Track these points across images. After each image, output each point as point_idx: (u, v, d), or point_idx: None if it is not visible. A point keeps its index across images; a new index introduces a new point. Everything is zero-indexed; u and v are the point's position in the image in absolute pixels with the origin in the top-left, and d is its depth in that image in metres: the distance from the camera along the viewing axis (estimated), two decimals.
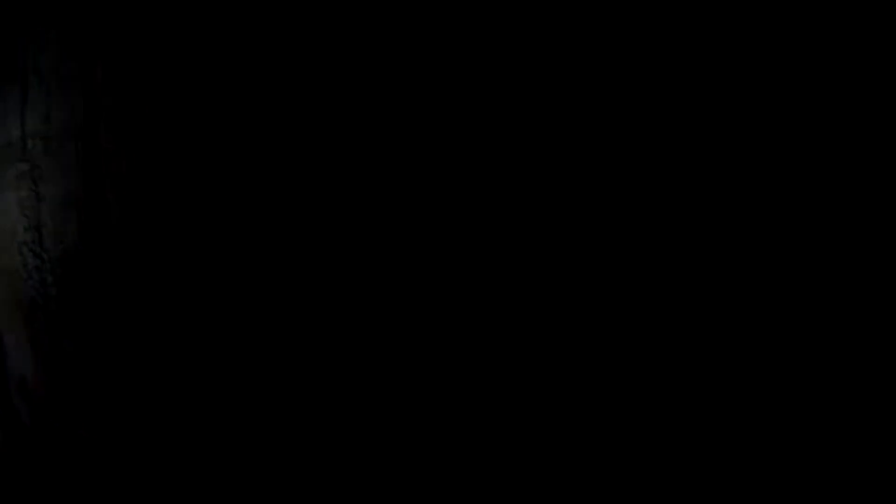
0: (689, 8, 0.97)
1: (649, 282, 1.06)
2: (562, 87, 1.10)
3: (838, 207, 0.91)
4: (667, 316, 1.06)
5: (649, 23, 1.01)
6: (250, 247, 1.73)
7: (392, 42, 1.34)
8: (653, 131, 1.03)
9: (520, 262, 1.19)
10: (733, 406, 1.02)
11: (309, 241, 1.57)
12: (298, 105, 1.58)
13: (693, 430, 1.06)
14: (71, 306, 2.33)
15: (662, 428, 1.09)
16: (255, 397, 1.77)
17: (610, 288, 1.10)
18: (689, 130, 1.00)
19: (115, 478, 2.32)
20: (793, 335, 0.97)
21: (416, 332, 1.38)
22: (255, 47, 1.66)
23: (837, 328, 0.93)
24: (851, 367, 0.93)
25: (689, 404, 1.06)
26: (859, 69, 0.86)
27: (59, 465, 2.41)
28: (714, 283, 1.01)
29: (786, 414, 0.98)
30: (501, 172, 1.19)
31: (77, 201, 2.30)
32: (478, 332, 1.27)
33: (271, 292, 1.68)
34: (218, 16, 1.78)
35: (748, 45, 0.92)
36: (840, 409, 0.94)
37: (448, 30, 1.26)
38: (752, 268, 0.98)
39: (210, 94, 1.85)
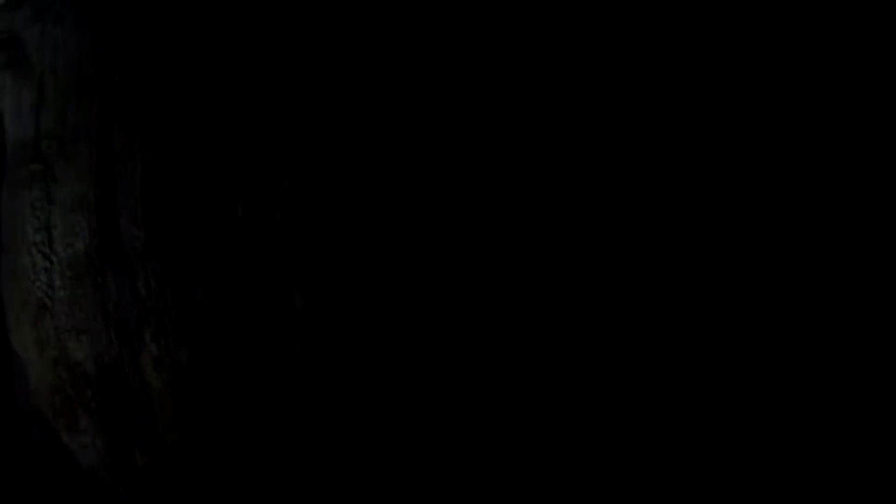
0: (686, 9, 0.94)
1: (647, 282, 1.02)
2: (560, 90, 1.07)
3: (837, 207, 0.87)
4: (665, 316, 1.02)
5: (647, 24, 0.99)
6: (268, 246, 1.81)
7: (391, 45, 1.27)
8: (650, 133, 1.00)
9: (517, 263, 1.16)
10: (732, 405, 0.97)
11: (315, 240, 1.61)
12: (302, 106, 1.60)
13: (691, 430, 1.01)
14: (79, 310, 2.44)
15: (660, 427, 1.03)
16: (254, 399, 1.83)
17: (608, 288, 1.05)
18: (687, 132, 0.97)
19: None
20: (791, 335, 0.93)
21: (413, 332, 1.33)
22: (263, 54, 1.68)
23: (837, 328, 0.89)
24: (850, 366, 0.89)
25: (688, 404, 1.00)
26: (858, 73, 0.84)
27: (67, 482, 2.45)
28: (712, 283, 0.97)
29: (785, 413, 0.94)
30: (499, 174, 1.16)
31: (88, 204, 2.57)
32: (475, 332, 1.23)
33: (274, 293, 1.76)
34: (230, 24, 1.83)
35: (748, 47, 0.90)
36: (839, 408, 0.89)
37: (447, 31, 1.20)
38: (751, 268, 0.94)
39: (222, 97, 1.97)
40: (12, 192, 2.26)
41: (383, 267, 1.42)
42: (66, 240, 2.46)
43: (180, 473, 2.18)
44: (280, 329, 1.87)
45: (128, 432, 2.31)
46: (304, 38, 1.62)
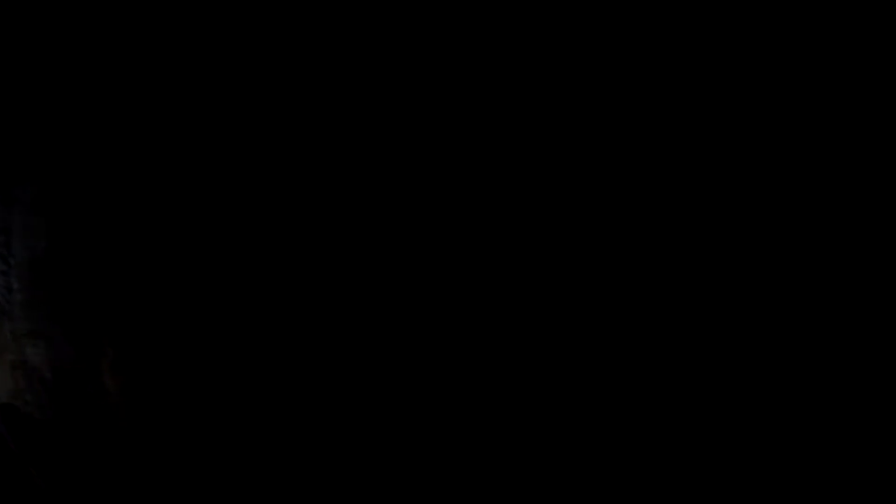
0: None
1: (647, 282, 1.01)
2: (559, 89, 1.07)
3: (837, 208, 0.86)
4: (665, 317, 1.01)
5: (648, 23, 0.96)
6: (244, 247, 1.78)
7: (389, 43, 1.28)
8: (651, 132, 0.99)
9: (518, 263, 1.16)
10: (732, 406, 0.97)
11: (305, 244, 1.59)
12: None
13: (692, 430, 1.01)
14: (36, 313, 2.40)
15: (661, 428, 1.03)
16: (251, 398, 1.78)
17: (608, 289, 1.05)
18: (688, 132, 0.95)
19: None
20: (792, 335, 0.91)
21: (413, 333, 1.33)
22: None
23: (836, 328, 0.88)
24: (850, 367, 0.88)
25: (688, 404, 1.00)
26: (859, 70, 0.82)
27: (33, 487, 2.41)
28: (712, 284, 0.96)
29: (785, 413, 0.93)
30: (499, 174, 1.16)
31: (46, 206, 2.54)
32: (476, 332, 1.23)
33: (268, 295, 1.71)
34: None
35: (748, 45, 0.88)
36: (839, 408, 0.89)
37: (446, 30, 1.19)
38: (750, 268, 0.93)
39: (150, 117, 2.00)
40: None
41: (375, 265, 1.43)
42: (25, 242, 2.43)
43: (138, 478, 2.15)
44: (239, 335, 1.85)
45: (86, 438, 2.28)
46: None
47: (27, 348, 2.42)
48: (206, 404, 1.87)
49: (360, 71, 1.37)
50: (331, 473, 1.59)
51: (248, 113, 1.73)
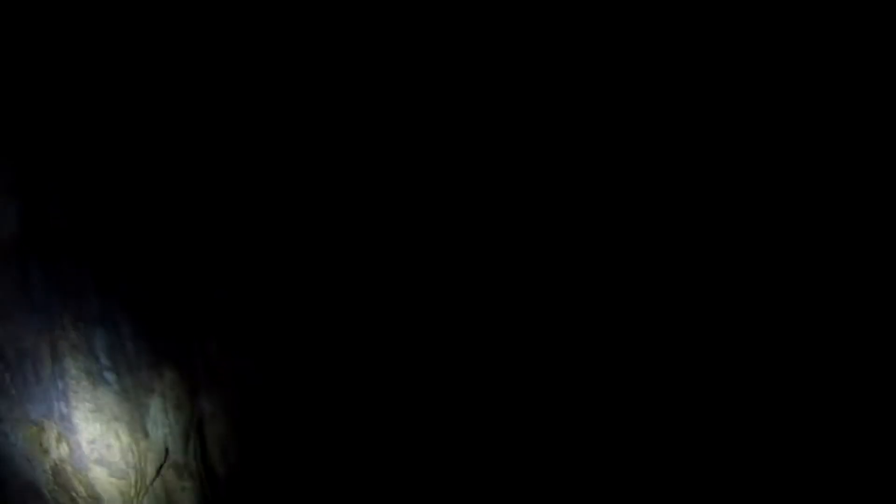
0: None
1: (648, 282, 1.00)
2: (560, 89, 1.01)
3: (838, 208, 0.85)
4: (665, 316, 1.00)
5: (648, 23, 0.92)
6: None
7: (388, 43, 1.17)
8: (652, 132, 0.97)
9: (519, 262, 1.12)
10: (733, 406, 0.98)
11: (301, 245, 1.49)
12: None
13: (692, 430, 1.01)
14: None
15: (662, 428, 1.03)
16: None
17: (609, 289, 1.03)
18: (689, 131, 0.94)
19: None
20: (792, 335, 0.92)
21: (414, 333, 1.27)
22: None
23: (836, 328, 0.89)
24: (850, 366, 0.89)
25: (688, 404, 1.00)
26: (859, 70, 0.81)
27: None
28: (713, 284, 0.96)
29: (785, 413, 0.94)
30: (500, 173, 1.11)
31: (19, 189, 2.55)
32: (477, 332, 1.19)
33: (261, 295, 1.62)
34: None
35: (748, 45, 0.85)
36: (839, 408, 0.90)
37: (446, 31, 1.11)
38: (750, 268, 0.92)
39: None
40: None
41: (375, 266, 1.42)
42: None
43: (97, 461, 2.17)
44: (204, 323, 1.91)
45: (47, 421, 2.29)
46: None
47: None
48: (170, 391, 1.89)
49: (361, 72, 1.34)
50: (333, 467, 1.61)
51: (232, 107, 1.78)
